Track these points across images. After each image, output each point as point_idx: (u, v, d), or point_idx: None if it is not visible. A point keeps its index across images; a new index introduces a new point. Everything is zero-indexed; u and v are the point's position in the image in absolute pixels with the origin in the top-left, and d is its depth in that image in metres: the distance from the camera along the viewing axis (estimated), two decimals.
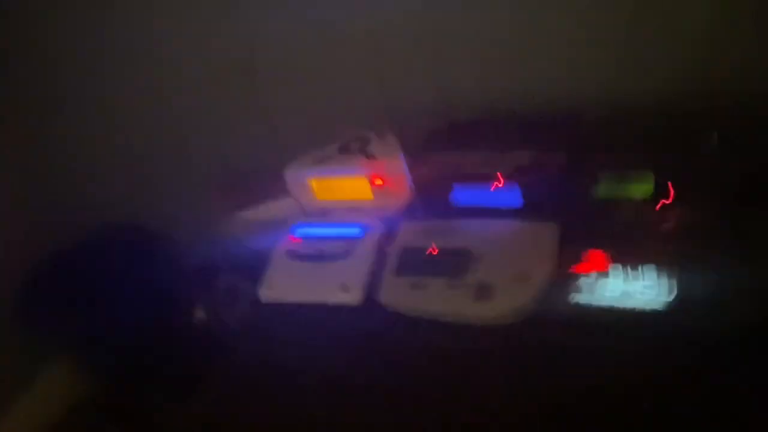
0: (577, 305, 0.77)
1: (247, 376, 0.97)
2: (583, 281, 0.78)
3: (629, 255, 0.77)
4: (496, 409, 0.80)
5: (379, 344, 0.86)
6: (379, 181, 1.00)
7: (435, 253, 0.90)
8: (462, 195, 0.93)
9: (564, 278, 0.79)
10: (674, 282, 0.73)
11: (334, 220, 1.03)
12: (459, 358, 0.81)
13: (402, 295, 0.87)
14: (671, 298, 0.72)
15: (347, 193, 1.04)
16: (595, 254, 0.79)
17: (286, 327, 0.94)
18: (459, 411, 0.83)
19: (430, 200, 0.96)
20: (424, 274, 0.87)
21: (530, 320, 0.78)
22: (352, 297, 0.90)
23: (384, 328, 0.87)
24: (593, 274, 0.78)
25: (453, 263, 0.87)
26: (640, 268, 0.75)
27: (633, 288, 0.75)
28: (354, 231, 0.99)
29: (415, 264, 0.90)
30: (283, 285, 0.96)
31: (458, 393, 0.81)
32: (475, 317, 0.81)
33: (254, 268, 1.02)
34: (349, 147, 1.05)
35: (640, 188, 0.82)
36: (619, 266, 0.77)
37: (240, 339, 1.01)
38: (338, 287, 0.91)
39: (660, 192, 0.80)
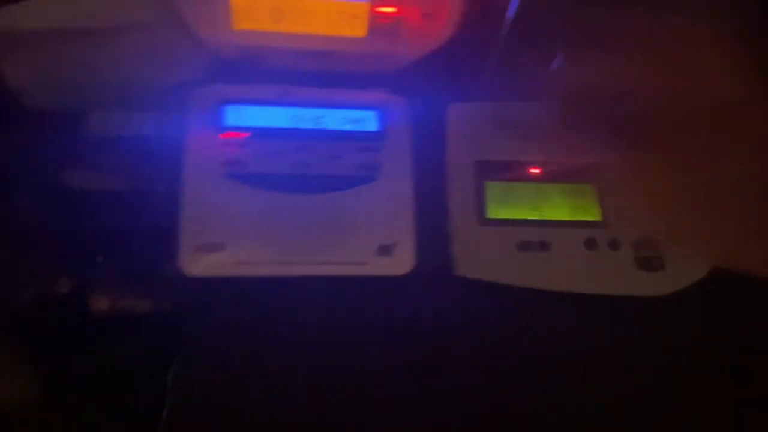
0: None
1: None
2: None
3: None
4: None
5: (463, 351, 0.48)
6: (389, 9, 0.50)
7: (537, 174, 0.50)
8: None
9: None
10: None
11: (282, 80, 0.51)
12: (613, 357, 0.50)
13: (500, 261, 0.48)
14: None
15: (313, 22, 0.51)
16: None
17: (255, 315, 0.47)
18: None
19: (500, 44, 0.51)
20: (533, 218, 0.49)
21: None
22: (398, 263, 0.48)
23: (465, 314, 0.48)
24: None
25: (577, 194, 0.50)
26: None
27: None
28: (361, 117, 0.50)
29: (509, 197, 0.49)
30: (245, 245, 0.46)
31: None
32: (638, 292, 0.49)
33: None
34: None
35: None
36: None
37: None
38: (370, 247, 0.47)
39: None
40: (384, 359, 0.46)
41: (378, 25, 0.50)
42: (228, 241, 0.45)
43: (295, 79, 0.51)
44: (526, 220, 0.49)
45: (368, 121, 0.49)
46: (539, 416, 0.46)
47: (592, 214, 0.49)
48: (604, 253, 0.48)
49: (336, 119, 0.49)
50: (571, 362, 0.46)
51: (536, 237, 0.48)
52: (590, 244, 0.48)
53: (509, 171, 0.50)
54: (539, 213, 0.49)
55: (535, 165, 0.50)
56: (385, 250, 0.47)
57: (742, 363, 0.48)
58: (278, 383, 0.44)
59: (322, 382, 0.44)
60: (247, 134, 0.48)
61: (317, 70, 0.52)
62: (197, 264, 0.44)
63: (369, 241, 0.46)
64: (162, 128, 0.49)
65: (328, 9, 0.49)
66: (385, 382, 0.46)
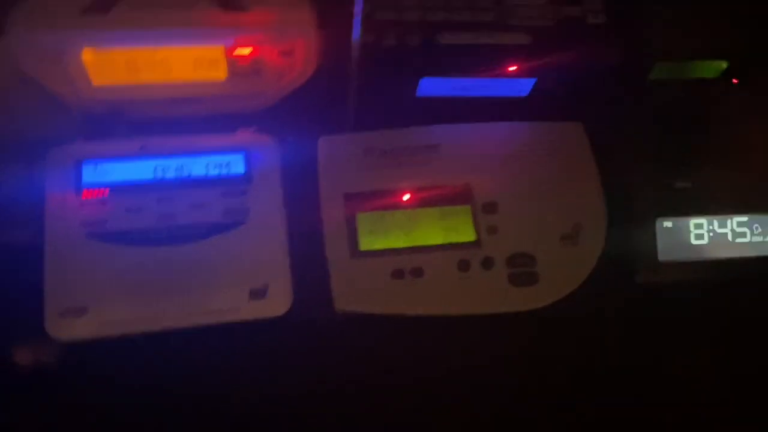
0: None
1: None
2: (657, 226, 0.52)
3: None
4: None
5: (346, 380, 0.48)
6: (245, 51, 0.50)
7: (411, 199, 0.50)
8: (431, 82, 0.51)
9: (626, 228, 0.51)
10: None
11: (143, 132, 0.50)
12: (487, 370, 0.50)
13: (375, 292, 0.48)
14: None
15: (172, 71, 0.50)
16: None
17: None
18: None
19: (360, 83, 0.52)
20: (406, 246, 0.49)
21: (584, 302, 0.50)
22: (273, 305, 0.47)
23: (344, 347, 0.48)
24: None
25: (450, 216, 0.51)
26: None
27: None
28: (225, 162, 0.50)
29: (381, 227, 0.50)
30: (112, 305, 0.45)
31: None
32: (511, 308, 0.50)
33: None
34: None
35: (707, 66, 0.54)
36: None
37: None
38: (242, 292, 0.47)
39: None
40: (268, 402, 0.46)
41: (237, 67, 0.50)
42: (92, 302, 0.44)
43: (163, 129, 0.51)
44: (399, 248, 0.49)
45: (232, 164, 0.49)
46: None
47: (467, 236, 0.50)
48: (478, 273, 0.49)
49: (199, 166, 0.48)
50: (449, 382, 0.47)
51: (409, 264, 0.48)
52: (463, 265, 0.49)
53: (380, 200, 0.50)
54: (412, 239, 0.49)
55: (406, 191, 0.50)
56: (258, 293, 0.47)
57: (618, 367, 0.50)
58: None
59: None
60: (106, 191, 0.47)
61: (184, 118, 0.52)
62: (62, 329, 0.44)
63: (241, 285, 0.46)
64: (22, 188, 0.48)
65: (185, 56, 0.49)
66: (273, 425, 0.46)
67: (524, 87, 0.53)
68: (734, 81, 0.54)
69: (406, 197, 0.50)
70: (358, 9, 0.47)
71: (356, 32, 0.47)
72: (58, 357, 0.45)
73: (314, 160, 0.51)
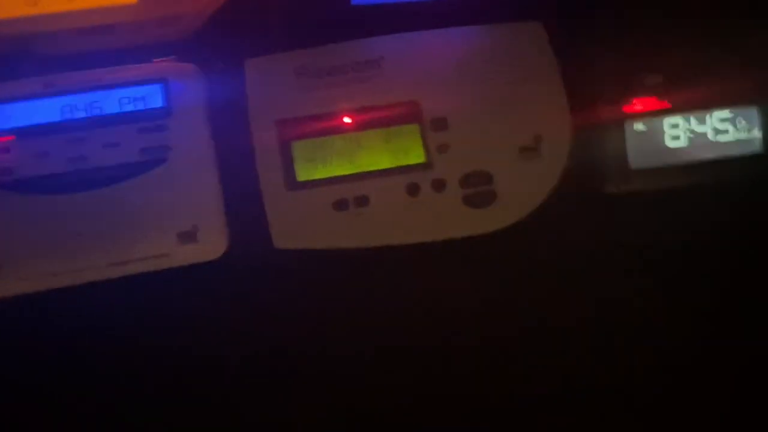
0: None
1: None
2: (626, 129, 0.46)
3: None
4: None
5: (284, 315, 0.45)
6: None
7: (352, 121, 0.45)
8: None
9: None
10: None
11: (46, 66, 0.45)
12: (442, 299, 0.47)
13: (316, 225, 0.44)
14: None
15: None
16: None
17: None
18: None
19: None
20: (348, 173, 0.45)
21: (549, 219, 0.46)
22: (206, 248, 0.43)
23: (285, 289, 0.45)
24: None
25: (396, 137, 0.46)
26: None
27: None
28: (141, 95, 0.45)
29: (320, 155, 0.45)
30: (26, 259, 0.42)
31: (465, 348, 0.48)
32: (465, 233, 0.45)
33: None
34: None
35: None
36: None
37: None
38: (169, 237, 0.43)
39: None
40: (205, 355, 0.43)
41: None
42: (4, 258, 0.41)
43: (70, 65, 0.46)
44: (341, 176, 0.44)
45: (149, 97, 0.44)
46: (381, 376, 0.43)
47: (416, 157, 0.45)
48: (429, 197, 0.44)
49: (111, 101, 0.44)
50: (402, 318, 0.43)
51: (353, 192, 0.44)
52: (413, 189, 0.44)
53: (317, 125, 0.45)
54: (356, 166, 0.45)
55: (345, 113, 0.45)
56: (187, 236, 0.43)
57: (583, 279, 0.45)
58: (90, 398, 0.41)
59: (136, 391, 0.41)
60: (11, 137, 0.43)
61: (94, 51, 0.47)
62: None
63: (167, 229, 0.42)
64: None
65: None
66: (209, 378, 0.43)
67: None
68: None
69: (346, 120, 0.45)
70: None
71: None
72: None
73: (241, 85, 0.46)
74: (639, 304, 0.46)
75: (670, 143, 0.47)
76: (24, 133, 0.43)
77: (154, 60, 0.46)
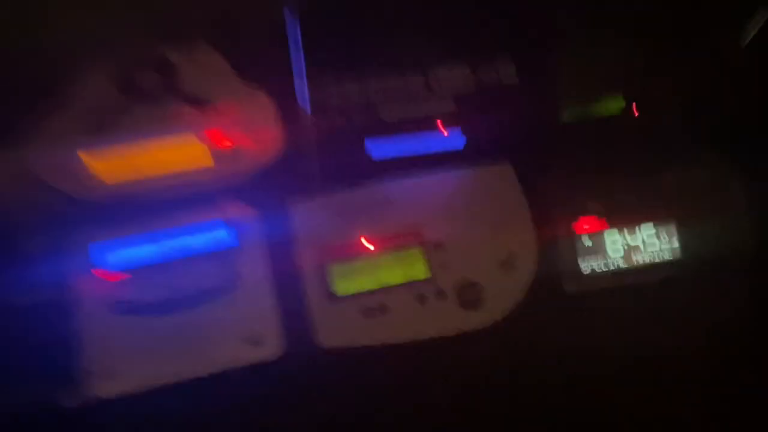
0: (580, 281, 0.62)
1: None
2: (578, 244, 0.62)
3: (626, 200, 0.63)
4: None
5: (329, 405, 0.59)
6: (224, 140, 0.60)
7: (374, 248, 0.61)
8: (377, 144, 0.62)
9: (553, 247, 0.62)
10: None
11: (145, 217, 0.61)
12: (451, 386, 0.61)
13: (351, 329, 0.59)
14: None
15: (164, 164, 0.61)
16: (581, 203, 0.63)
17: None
18: None
19: (318, 152, 0.62)
20: (373, 288, 0.60)
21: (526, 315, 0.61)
22: (269, 350, 0.58)
23: (331, 377, 0.59)
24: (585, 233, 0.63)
25: (407, 259, 0.61)
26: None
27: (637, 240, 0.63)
28: (216, 236, 0.60)
29: (350, 272, 0.60)
30: (134, 364, 0.56)
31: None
32: (463, 330, 0.60)
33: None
34: (135, 80, 0.59)
35: (609, 105, 0.65)
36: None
37: None
38: (240, 340, 0.57)
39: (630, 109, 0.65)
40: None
41: (220, 155, 0.60)
42: (121, 366, 0.55)
43: (162, 212, 0.61)
44: (367, 291, 0.60)
45: (223, 238, 0.59)
46: None
47: (421, 273, 0.60)
48: (433, 304, 0.59)
49: (195, 243, 0.59)
50: (418, 394, 0.58)
51: (376, 303, 0.59)
52: (421, 299, 0.59)
53: (348, 251, 0.61)
54: (377, 282, 0.60)
55: (368, 241, 0.61)
56: (253, 342, 0.57)
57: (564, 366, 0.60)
58: None
59: None
60: (119, 271, 0.57)
61: (178, 197, 0.62)
62: (93, 389, 0.54)
63: (238, 338, 0.57)
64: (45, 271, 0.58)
65: (177, 150, 0.60)
66: None
67: (458, 142, 0.63)
68: (635, 114, 0.65)
69: (368, 246, 0.61)
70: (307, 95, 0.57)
71: (311, 115, 0.58)
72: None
73: (290, 222, 0.62)
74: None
75: (611, 253, 0.62)
76: (128, 268, 0.58)
77: (223, 205, 0.61)
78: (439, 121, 0.61)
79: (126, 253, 0.58)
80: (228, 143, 0.60)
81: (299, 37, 0.56)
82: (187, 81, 0.59)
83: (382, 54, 0.59)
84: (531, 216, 0.62)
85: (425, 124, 0.61)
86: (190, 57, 0.60)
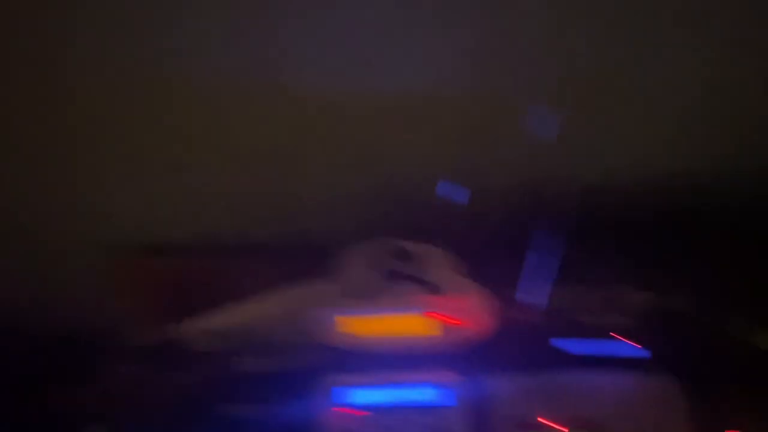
0: None
1: None
2: None
3: None
4: None
5: None
6: (448, 318, 0.75)
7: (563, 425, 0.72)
8: (569, 341, 0.76)
9: None
10: None
11: (381, 368, 0.74)
12: None
13: None
14: None
15: (394, 329, 0.76)
16: None
17: None
18: None
19: (520, 341, 0.76)
20: None
21: None
22: None
23: None
24: None
25: None
26: None
27: None
28: (434, 393, 0.73)
29: None
30: None
31: None
32: None
33: None
34: (385, 264, 0.76)
35: None
36: None
37: None
38: None
39: None
40: None
41: (446, 329, 0.75)
42: None
43: (390, 364, 0.74)
44: None
45: (439, 396, 0.71)
46: None
47: None
48: None
49: (419, 394, 0.71)
50: None
51: None
52: None
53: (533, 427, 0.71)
54: None
55: (561, 424, 0.71)
56: None
57: None
58: None
59: None
60: (356, 410, 0.69)
61: (406, 355, 0.76)
62: None
63: None
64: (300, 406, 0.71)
65: (407, 321, 0.75)
66: None
67: (637, 352, 0.76)
68: None
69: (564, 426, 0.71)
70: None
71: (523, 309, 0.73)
72: None
73: (489, 392, 0.73)
74: None
75: None
76: (363, 408, 0.70)
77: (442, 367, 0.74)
78: (622, 332, 0.75)
79: (362, 395, 0.71)
80: (450, 321, 0.75)
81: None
82: (425, 270, 0.76)
83: (588, 270, 0.76)
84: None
85: (611, 331, 0.75)
86: (427, 252, 0.78)
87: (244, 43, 0.66)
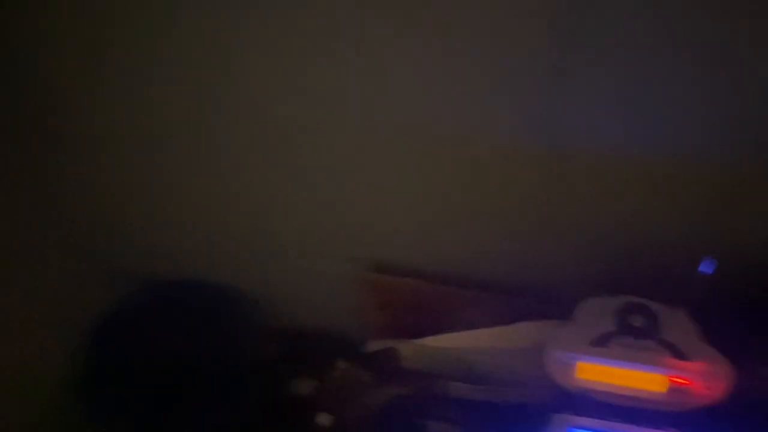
0: None
1: None
2: None
3: None
4: None
5: None
6: (683, 381, 0.79)
7: None
8: None
9: None
10: None
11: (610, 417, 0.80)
12: None
13: None
14: None
15: (629, 382, 0.80)
16: None
17: None
18: None
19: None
20: None
21: None
22: None
23: None
24: None
25: None
26: None
27: None
28: None
29: None
30: None
31: None
32: None
33: None
34: (627, 319, 0.81)
35: None
36: None
37: None
38: None
39: None
40: None
41: (674, 388, 0.78)
42: None
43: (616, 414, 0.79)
44: None
45: None
46: None
47: None
48: None
49: None
50: None
51: None
52: None
53: None
54: None
55: None
56: None
57: None
58: None
59: None
60: None
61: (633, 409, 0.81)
62: None
63: None
64: None
65: (642, 377, 0.79)
66: None
67: None
68: None
69: None
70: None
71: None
72: None
73: None
74: None
75: None
76: None
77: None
78: None
79: None
80: (683, 383, 0.78)
81: None
82: (665, 331, 0.80)
83: None
84: None
85: None
86: (670, 314, 0.81)
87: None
